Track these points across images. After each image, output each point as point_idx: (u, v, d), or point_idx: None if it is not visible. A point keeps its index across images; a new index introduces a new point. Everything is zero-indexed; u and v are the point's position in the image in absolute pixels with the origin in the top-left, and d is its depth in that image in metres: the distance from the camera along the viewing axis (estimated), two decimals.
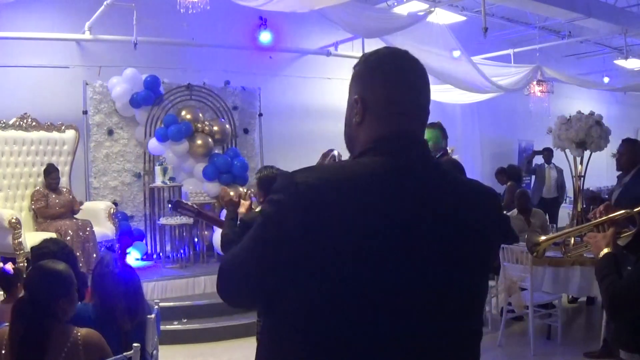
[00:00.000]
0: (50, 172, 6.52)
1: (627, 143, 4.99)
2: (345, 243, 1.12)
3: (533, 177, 10.00)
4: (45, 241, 3.34)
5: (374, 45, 8.99)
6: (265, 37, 8.41)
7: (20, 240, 5.75)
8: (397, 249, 1.15)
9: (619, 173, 5.15)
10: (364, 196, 1.15)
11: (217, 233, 6.70)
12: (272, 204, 1.18)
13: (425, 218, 1.18)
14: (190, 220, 6.85)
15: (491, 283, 6.10)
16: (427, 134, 4.33)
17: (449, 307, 1.21)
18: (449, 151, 5.20)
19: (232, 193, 3.52)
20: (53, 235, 6.03)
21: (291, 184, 1.15)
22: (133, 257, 7.13)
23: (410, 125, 1.28)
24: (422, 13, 7.89)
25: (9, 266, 3.29)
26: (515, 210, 6.74)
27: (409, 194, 1.19)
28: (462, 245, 1.22)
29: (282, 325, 1.20)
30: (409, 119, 1.28)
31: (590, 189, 8.67)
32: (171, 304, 5.80)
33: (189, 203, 4.03)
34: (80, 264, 5.23)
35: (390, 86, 1.27)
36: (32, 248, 3.34)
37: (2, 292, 3.53)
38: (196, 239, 7.35)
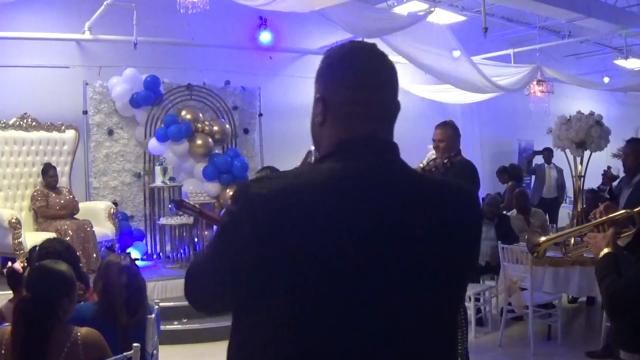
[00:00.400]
0: (48, 170, 6.55)
1: (632, 143, 4.90)
2: (301, 253, 1.08)
3: (533, 177, 10.01)
4: (49, 241, 3.35)
5: None
6: (265, 37, 8.41)
7: (20, 240, 5.75)
8: (360, 256, 1.10)
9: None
10: (320, 205, 1.10)
11: None
12: (227, 214, 1.16)
13: (389, 223, 1.12)
14: (190, 220, 6.85)
15: (491, 283, 6.10)
16: (440, 134, 4.29)
17: (421, 312, 1.15)
18: None
19: None
20: (53, 235, 6.03)
21: (245, 195, 1.12)
22: (133, 257, 7.13)
23: (374, 127, 1.21)
24: (422, 13, 7.88)
25: (18, 265, 3.29)
26: (515, 210, 6.75)
27: (370, 200, 1.13)
28: (434, 247, 1.16)
29: (247, 332, 1.17)
30: (372, 120, 1.21)
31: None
32: (171, 304, 5.79)
33: (191, 203, 4.06)
34: (81, 264, 5.24)
35: (351, 85, 1.20)
36: (37, 247, 3.34)
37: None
38: (196, 239, 7.35)
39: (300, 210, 1.09)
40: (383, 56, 1.24)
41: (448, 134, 4.24)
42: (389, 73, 1.24)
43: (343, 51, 1.24)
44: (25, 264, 3.21)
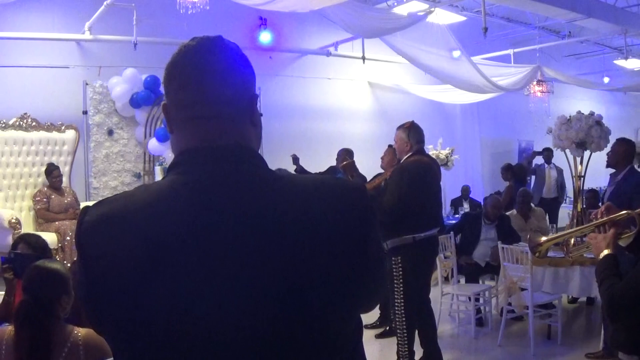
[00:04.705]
0: (52, 171, 6.53)
1: (616, 142, 5.07)
2: (122, 289, 0.95)
3: (533, 177, 10.02)
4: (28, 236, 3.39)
5: (374, 45, 9.00)
6: (265, 37, 8.40)
7: None
8: (192, 291, 0.93)
9: (612, 171, 5.15)
10: (143, 230, 0.96)
11: None
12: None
13: (213, 244, 0.95)
14: None
15: (491, 283, 6.11)
16: (395, 136, 4.47)
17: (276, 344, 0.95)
18: (437, 152, 5.07)
19: None
20: (53, 235, 6.04)
21: (78, 223, 1.02)
22: None
23: (209, 131, 1.05)
24: (422, 13, 7.89)
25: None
26: (514, 210, 6.75)
27: (201, 217, 0.97)
28: (295, 266, 0.96)
29: None
30: (210, 123, 1.06)
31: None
32: None
33: None
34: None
35: (179, 87, 1.09)
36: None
37: None
38: None
39: (122, 241, 0.96)
40: (224, 49, 1.12)
41: (398, 136, 4.43)
42: (227, 66, 1.11)
43: (178, 51, 1.14)
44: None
